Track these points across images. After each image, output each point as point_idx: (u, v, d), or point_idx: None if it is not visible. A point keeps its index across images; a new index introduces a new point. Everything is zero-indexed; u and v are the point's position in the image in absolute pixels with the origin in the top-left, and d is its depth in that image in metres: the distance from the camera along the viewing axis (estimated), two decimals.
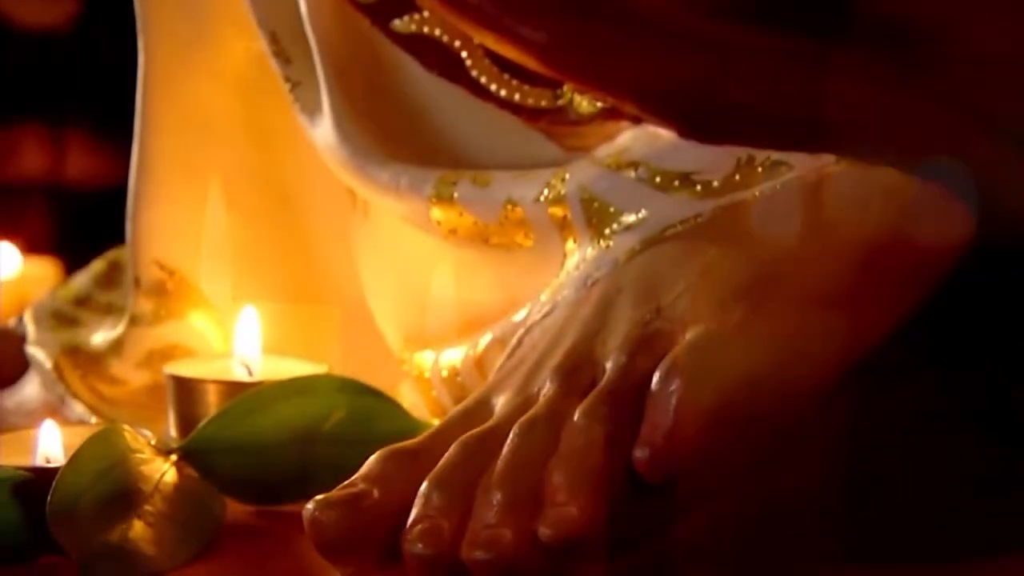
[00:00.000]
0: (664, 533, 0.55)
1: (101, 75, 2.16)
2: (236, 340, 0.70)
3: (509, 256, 0.65)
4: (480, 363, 0.66)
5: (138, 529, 0.58)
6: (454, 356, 0.68)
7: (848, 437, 0.62)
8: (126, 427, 0.61)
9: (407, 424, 0.64)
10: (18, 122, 2.25)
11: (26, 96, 2.23)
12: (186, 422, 0.67)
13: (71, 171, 2.27)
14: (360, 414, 0.64)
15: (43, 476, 0.58)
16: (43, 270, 1.91)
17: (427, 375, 0.69)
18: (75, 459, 0.58)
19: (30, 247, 1.90)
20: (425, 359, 0.70)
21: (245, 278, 0.77)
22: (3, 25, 2.19)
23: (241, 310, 0.71)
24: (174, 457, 0.62)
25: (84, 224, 2.06)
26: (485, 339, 0.66)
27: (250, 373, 0.69)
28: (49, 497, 0.57)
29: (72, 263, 1.17)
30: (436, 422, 0.61)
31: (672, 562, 0.55)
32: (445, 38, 0.67)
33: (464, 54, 0.67)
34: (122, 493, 0.58)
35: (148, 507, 0.59)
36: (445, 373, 0.68)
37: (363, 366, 0.69)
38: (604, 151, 0.64)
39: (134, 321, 0.77)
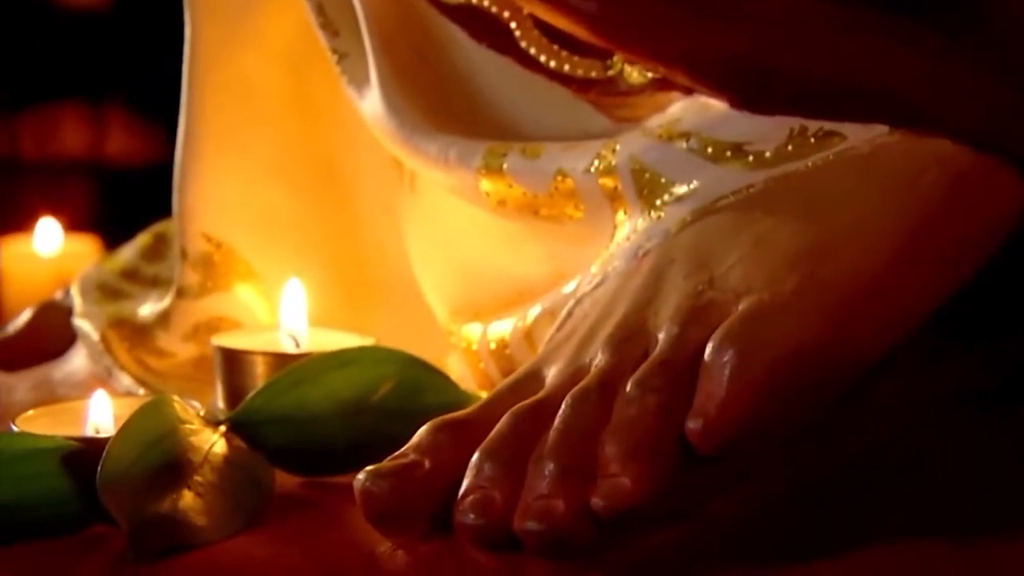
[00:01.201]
0: (714, 505, 0.55)
1: (141, 53, 2.16)
2: (283, 312, 0.70)
3: (558, 228, 0.65)
4: (529, 335, 0.66)
5: (188, 499, 0.58)
6: (503, 328, 0.68)
7: (892, 412, 0.62)
8: (175, 398, 0.61)
9: (456, 396, 0.64)
10: (59, 101, 2.26)
11: (67, 75, 2.23)
12: (234, 394, 0.67)
13: (111, 149, 2.27)
14: (408, 386, 0.63)
15: (93, 446, 0.58)
16: (84, 247, 1.91)
17: (475, 347, 0.69)
18: (125, 429, 0.58)
19: (71, 225, 1.91)
20: (473, 331, 0.69)
21: (291, 251, 0.76)
22: (44, 4, 2.19)
23: (287, 282, 0.71)
24: (223, 428, 0.62)
25: (124, 201, 2.07)
26: (534, 311, 0.66)
27: (297, 345, 0.69)
28: (100, 467, 0.57)
29: (112, 240, 1.18)
30: (484, 395, 0.61)
31: (717, 535, 0.55)
32: (494, 8, 0.67)
33: (513, 24, 0.67)
34: (172, 463, 0.58)
35: (198, 477, 0.59)
36: (493, 345, 0.68)
37: (410, 339, 0.69)
38: (655, 121, 0.64)
39: (181, 293, 0.77)
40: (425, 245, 0.73)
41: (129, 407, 0.60)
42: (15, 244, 1.89)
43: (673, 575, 0.53)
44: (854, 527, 0.56)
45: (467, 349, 0.70)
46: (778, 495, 0.58)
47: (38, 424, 0.61)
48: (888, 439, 0.63)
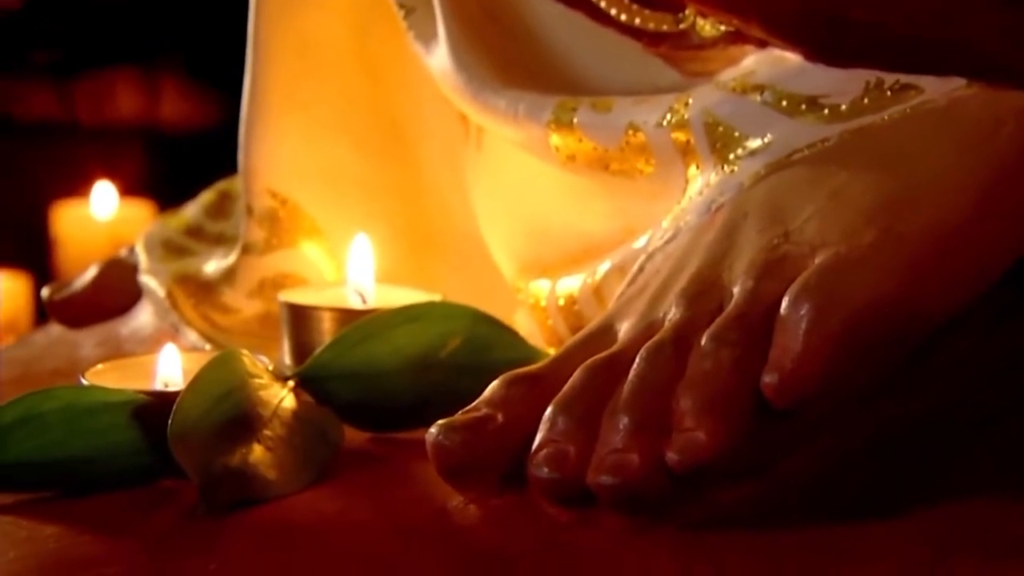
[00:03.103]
0: (787, 460, 0.54)
1: (194, 18, 2.16)
2: (349, 268, 0.70)
3: (628, 183, 0.65)
4: (599, 291, 0.66)
5: (258, 453, 0.57)
6: (571, 284, 0.67)
7: (963, 370, 0.62)
8: (244, 352, 0.61)
9: (524, 352, 0.63)
10: (114, 67, 2.27)
11: (121, 41, 2.24)
12: (301, 350, 0.67)
13: (165, 114, 2.28)
14: (477, 342, 0.63)
15: (163, 399, 0.58)
16: (138, 211, 1.92)
17: (543, 304, 0.69)
18: (195, 383, 0.58)
19: (126, 189, 1.92)
20: (541, 288, 0.69)
21: (357, 207, 0.76)
22: None
23: (353, 239, 0.71)
24: (291, 383, 0.62)
25: (178, 166, 2.08)
26: (604, 267, 0.65)
27: (364, 301, 0.69)
28: (170, 420, 0.56)
29: (166, 204, 1.18)
30: (552, 351, 0.61)
31: (791, 490, 0.55)
32: None
33: None
34: (242, 417, 0.58)
35: (267, 432, 0.59)
36: (562, 302, 0.68)
37: (476, 295, 0.69)
38: (728, 75, 0.63)
39: (246, 250, 0.77)
40: (492, 201, 0.72)
41: (197, 362, 0.60)
42: (71, 208, 1.90)
43: (747, 530, 0.52)
44: (925, 484, 0.55)
45: (535, 305, 0.69)
46: (851, 451, 0.58)
47: (107, 378, 0.61)
48: (958, 397, 0.62)
